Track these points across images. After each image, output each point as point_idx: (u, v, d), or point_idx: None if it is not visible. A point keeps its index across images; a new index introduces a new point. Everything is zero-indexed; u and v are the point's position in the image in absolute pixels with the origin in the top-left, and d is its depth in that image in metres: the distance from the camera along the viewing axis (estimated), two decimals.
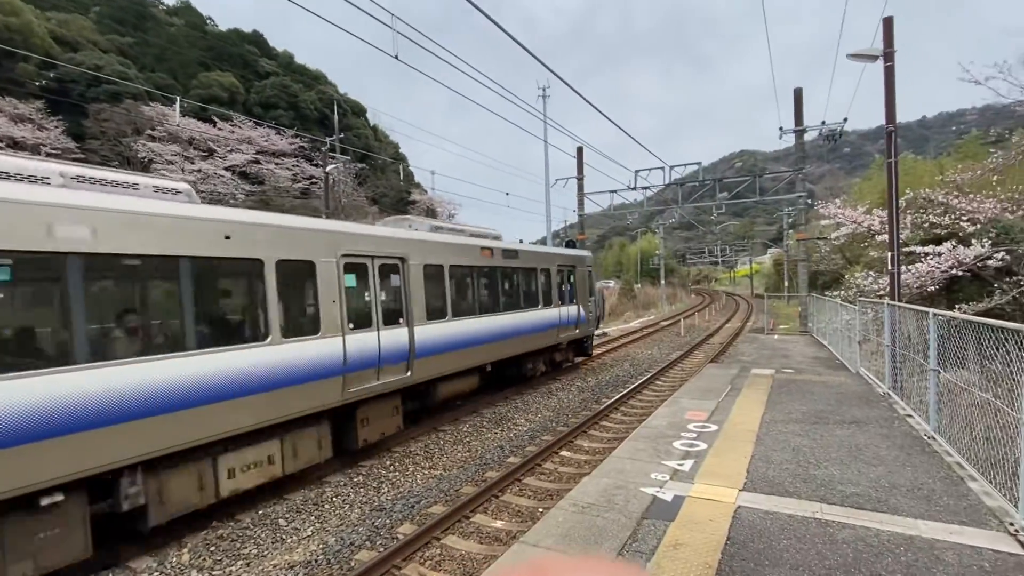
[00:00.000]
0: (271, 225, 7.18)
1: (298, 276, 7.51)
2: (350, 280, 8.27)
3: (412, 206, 47.43)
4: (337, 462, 8.47)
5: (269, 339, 6.90)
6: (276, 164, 33.91)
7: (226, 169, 31.36)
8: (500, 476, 7.92)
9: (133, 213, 5.65)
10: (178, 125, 28.84)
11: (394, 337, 8.92)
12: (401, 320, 9.19)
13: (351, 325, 8.10)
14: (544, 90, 34.72)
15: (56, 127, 28.97)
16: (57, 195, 5.17)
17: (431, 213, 47.80)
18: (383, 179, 43.40)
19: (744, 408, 8.74)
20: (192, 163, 30.23)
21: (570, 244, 22.13)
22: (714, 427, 7.63)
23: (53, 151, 28.04)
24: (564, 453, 9.26)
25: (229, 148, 32.04)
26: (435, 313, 10.02)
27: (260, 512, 6.95)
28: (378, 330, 8.63)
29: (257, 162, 33.21)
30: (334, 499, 7.39)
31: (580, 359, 17.53)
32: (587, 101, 15.07)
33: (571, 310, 15.69)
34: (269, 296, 6.95)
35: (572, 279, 16.13)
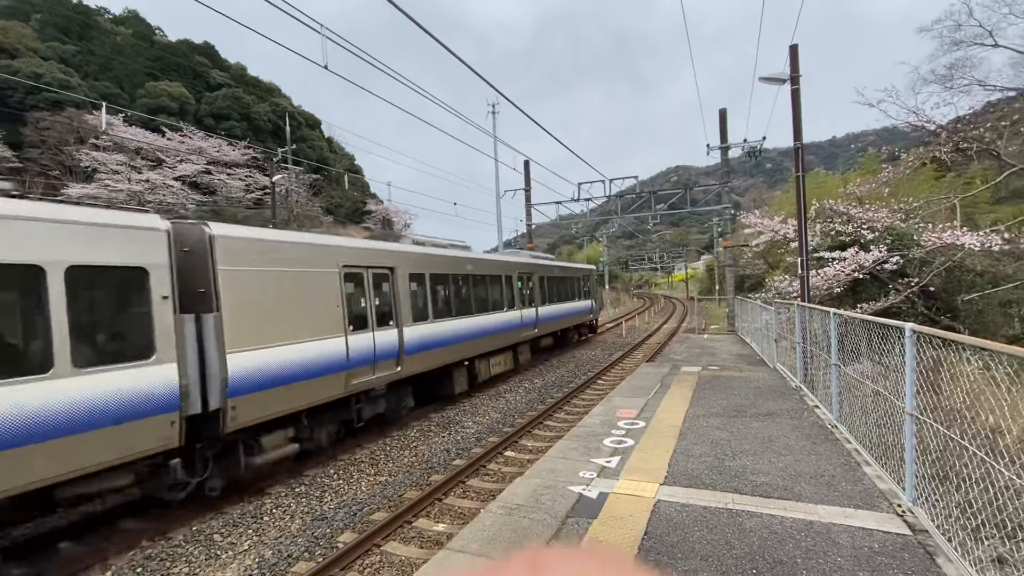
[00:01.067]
0: (501, 260, 15.76)
1: (507, 281, 15.54)
2: (519, 284, 16.49)
3: (368, 216, 46.41)
4: (282, 474, 8.05)
5: (506, 309, 15.10)
6: (228, 175, 32.35)
7: (176, 179, 29.68)
8: (444, 479, 7.72)
9: (473, 258, 13.80)
10: (106, 132, 27.01)
11: (531, 312, 17.10)
12: (532, 304, 17.40)
13: (520, 305, 16.22)
14: (494, 107, 34.81)
15: None
16: (433, 251, 11.99)
17: (387, 223, 46.90)
18: (338, 190, 42.24)
19: (671, 404, 8.90)
20: (140, 173, 28.44)
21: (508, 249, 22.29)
22: (642, 424, 7.70)
23: None
24: (508, 453, 9.14)
25: (179, 158, 30.35)
26: (541, 301, 18.26)
27: (194, 528, 6.48)
28: (529, 308, 16.97)
29: (209, 172, 31.58)
30: (274, 511, 6.99)
31: (590, 335, 26.09)
32: (532, 120, 15.13)
33: (589, 302, 24.76)
34: (504, 289, 15.23)
35: (589, 282, 25.18)
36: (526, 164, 28.66)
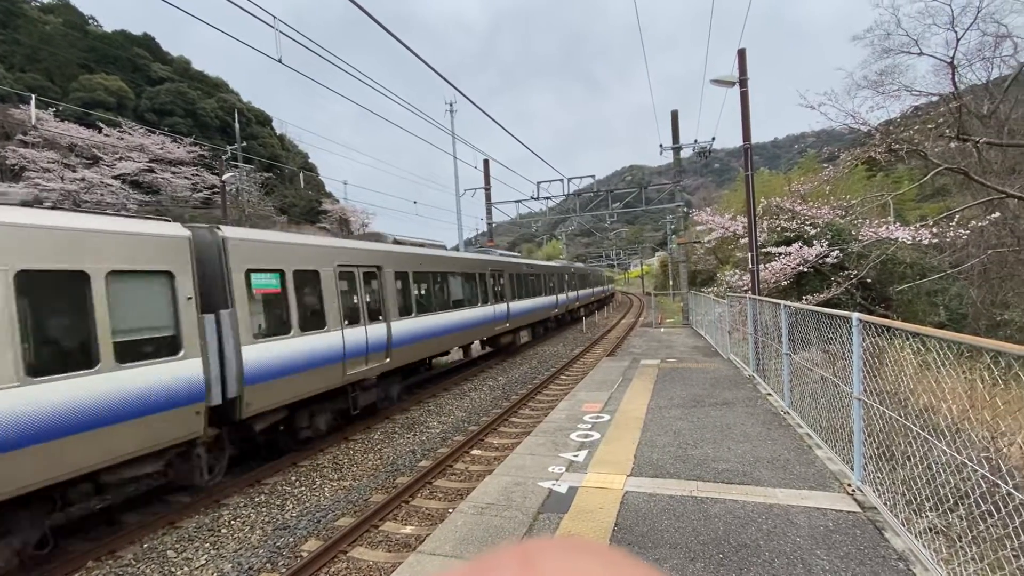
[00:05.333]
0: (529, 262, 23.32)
1: (536, 279, 22.80)
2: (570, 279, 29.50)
3: (324, 216, 45.11)
4: (234, 483, 7.68)
5: (549, 296, 23.88)
6: (173, 173, 30.66)
7: (115, 178, 27.86)
8: (410, 481, 7.58)
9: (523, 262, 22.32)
10: (35, 127, 25.13)
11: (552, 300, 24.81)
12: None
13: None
14: (451, 105, 34.47)
15: None
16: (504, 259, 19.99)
17: (344, 222, 45.71)
18: (292, 189, 40.85)
19: (633, 397, 9.06)
20: (74, 171, 26.54)
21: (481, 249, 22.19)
22: (607, 417, 7.81)
23: None
24: (475, 452, 9.07)
25: (118, 156, 28.52)
26: (575, 288, 29.36)
27: (145, 546, 6.09)
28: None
29: (151, 171, 29.83)
30: (232, 522, 6.66)
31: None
32: (490, 117, 15.04)
33: (607, 287, 42.33)
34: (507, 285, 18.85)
35: (598, 276, 38.88)
36: (485, 163, 28.58)
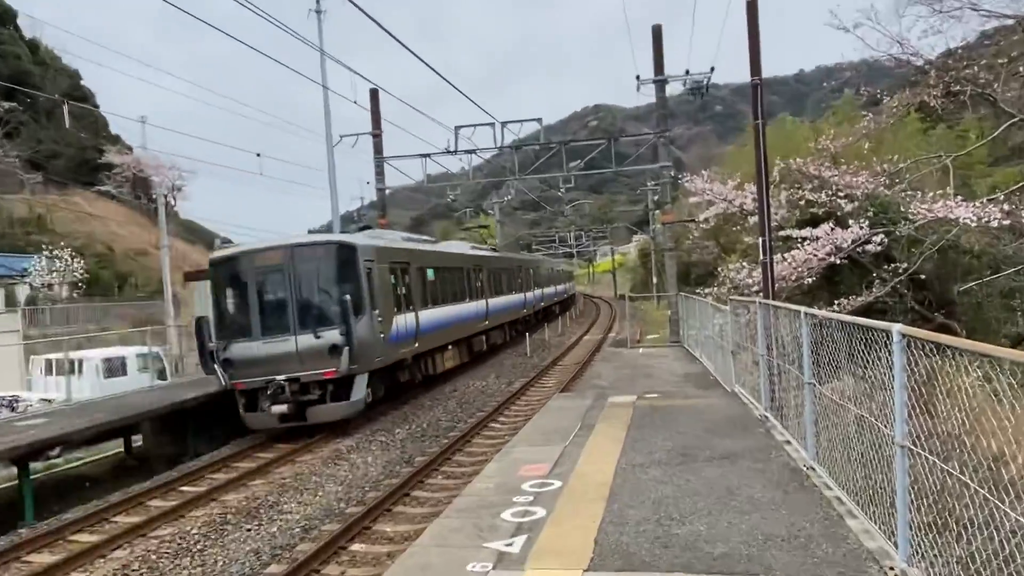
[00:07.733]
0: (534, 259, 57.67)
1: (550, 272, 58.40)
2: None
3: (108, 174, 42.71)
4: None
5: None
6: None
7: None
8: None
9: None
10: None
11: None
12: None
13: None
14: (318, 2, 33.76)
15: None
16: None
17: (142, 182, 43.50)
18: (51, 128, 38.42)
19: (596, 452, 9.30)
20: None
21: (366, 228, 22.05)
22: (557, 483, 7.96)
23: None
24: (356, 547, 9.01)
25: None
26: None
27: None
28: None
29: None
30: None
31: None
32: (379, 25, 14.89)
33: (568, 285, 74.55)
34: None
35: (563, 274, 71.23)
36: (373, 94, 28.23)
